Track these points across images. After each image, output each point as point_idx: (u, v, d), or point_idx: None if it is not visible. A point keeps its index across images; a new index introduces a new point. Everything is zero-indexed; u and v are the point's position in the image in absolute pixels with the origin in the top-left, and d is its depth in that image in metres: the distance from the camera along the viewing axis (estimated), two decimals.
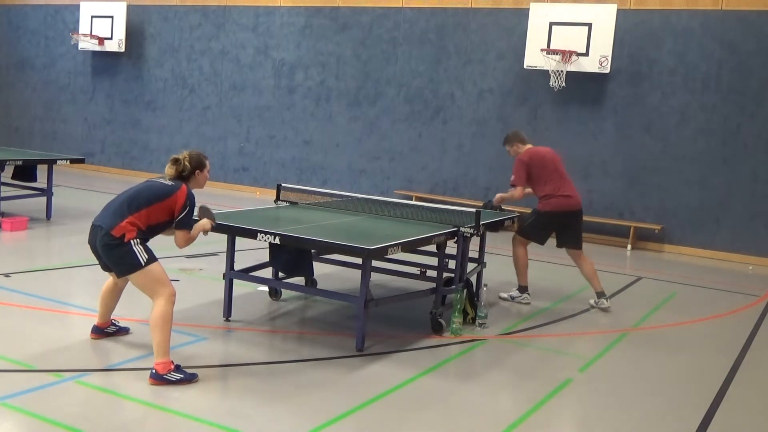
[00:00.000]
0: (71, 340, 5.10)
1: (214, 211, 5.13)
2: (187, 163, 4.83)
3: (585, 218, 7.61)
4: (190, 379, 4.48)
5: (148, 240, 4.66)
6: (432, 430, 4.22)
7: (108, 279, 5.04)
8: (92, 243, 4.66)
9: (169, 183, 4.77)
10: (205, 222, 4.98)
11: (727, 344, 6.38)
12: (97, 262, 4.81)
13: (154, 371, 4.43)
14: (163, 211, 4.67)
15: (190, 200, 4.74)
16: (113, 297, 5.08)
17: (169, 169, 4.83)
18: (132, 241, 4.52)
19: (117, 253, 4.54)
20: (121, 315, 5.30)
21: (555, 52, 11.14)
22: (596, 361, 5.61)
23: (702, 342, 6.49)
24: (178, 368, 4.50)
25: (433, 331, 5.91)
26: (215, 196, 12.91)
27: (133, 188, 4.77)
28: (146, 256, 4.56)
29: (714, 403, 4.92)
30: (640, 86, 11.22)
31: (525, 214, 7.63)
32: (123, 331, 5.23)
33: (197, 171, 4.88)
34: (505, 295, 7.26)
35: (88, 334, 5.11)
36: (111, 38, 15.16)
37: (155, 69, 15.29)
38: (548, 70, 11.33)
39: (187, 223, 4.75)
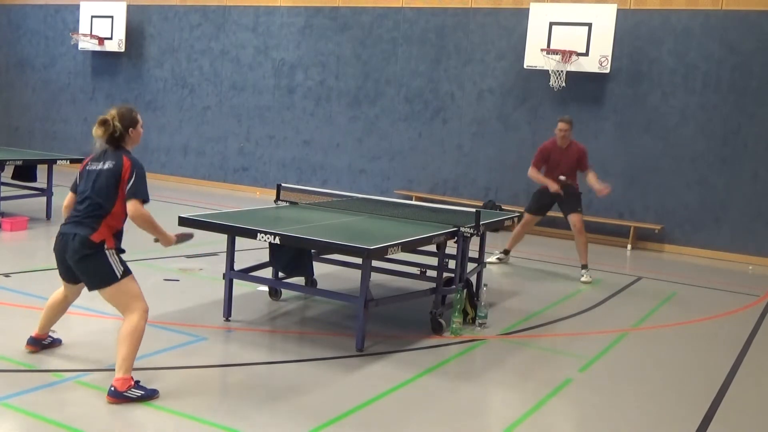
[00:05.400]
0: (71, 340, 5.09)
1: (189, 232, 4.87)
2: (117, 123, 4.31)
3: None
4: (150, 395, 4.19)
5: (121, 242, 4.37)
6: (432, 430, 4.22)
7: (58, 289, 4.69)
8: (61, 253, 4.31)
9: (107, 165, 4.27)
10: (173, 237, 4.57)
11: (727, 344, 6.38)
12: (58, 269, 4.46)
13: (112, 389, 4.11)
14: (123, 193, 4.26)
15: (137, 167, 4.27)
16: (60, 310, 4.73)
17: (98, 130, 4.31)
18: (108, 251, 4.23)
19: (92, 264, 4.23)
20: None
21: (555, 52, 11.14)
22: (596, 361, 5.61)
23: (702, 342, 6.49)
24: (138, 384, 4.20)
25: (433, 331, 5.91)
26: (215, 196, 12.98)
27: (89, 186, 4.27)
28: (122, 268, 4.27)
29: (714, 403, 4.92)
30: (640, 86, 11.21)
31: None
32: (57, 342, 4.90)
33: (130, 129, 4.36)
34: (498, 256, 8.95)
35: (88, 334, 5.10)
36: (111, 38, 15.17)
37: (155, 69, 15.29)
38: (548, 70, 11.33)
39: (138, 191, 4.23)
